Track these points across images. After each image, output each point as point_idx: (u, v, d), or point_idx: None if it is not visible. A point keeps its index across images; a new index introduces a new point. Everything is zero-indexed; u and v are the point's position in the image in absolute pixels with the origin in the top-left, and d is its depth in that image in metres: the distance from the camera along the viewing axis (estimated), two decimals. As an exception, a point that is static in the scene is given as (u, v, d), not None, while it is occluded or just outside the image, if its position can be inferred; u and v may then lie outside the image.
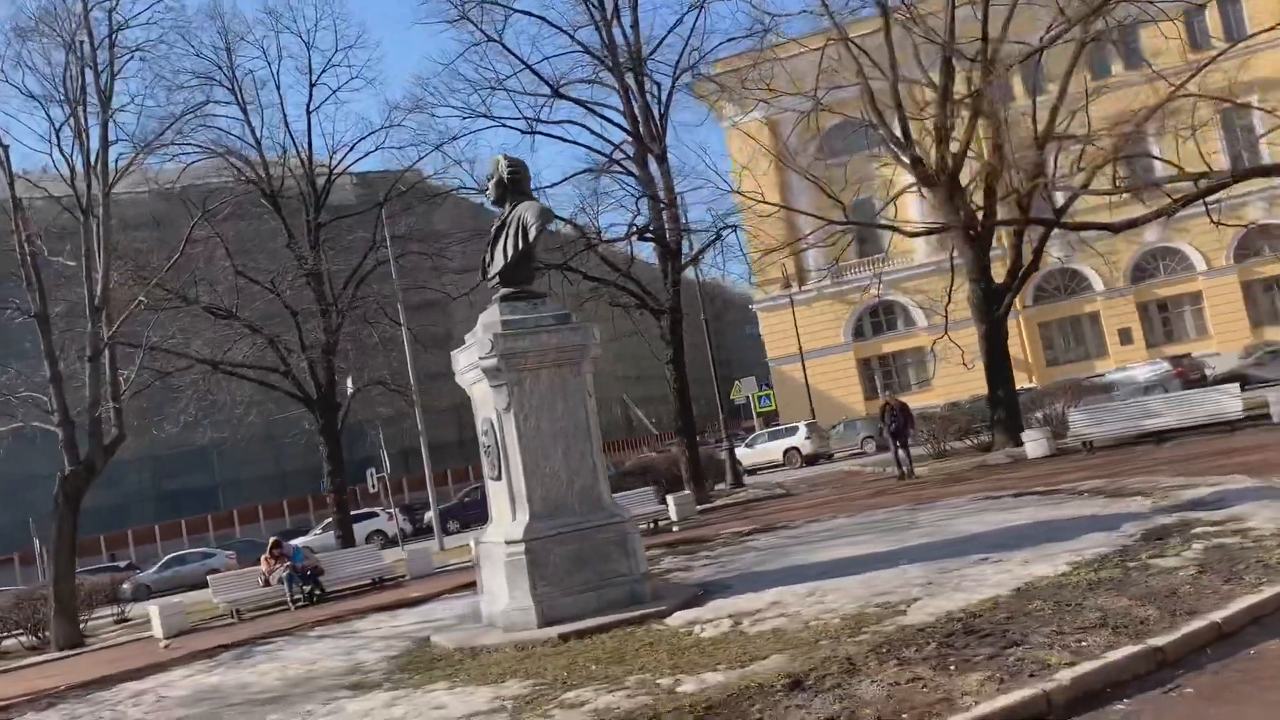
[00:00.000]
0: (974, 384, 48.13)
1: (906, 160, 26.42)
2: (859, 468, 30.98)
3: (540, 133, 26.79)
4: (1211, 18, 41.57)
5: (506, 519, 10.67)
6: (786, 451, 41.82)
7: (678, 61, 26.30)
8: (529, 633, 9.88)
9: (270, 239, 29.75)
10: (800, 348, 49.21)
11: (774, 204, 29.97)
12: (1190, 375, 32.52)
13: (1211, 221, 22.74)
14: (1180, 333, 47.67)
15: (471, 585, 12.97)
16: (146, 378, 23.32)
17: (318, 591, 19.45)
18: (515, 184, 11.11)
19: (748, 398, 47.18)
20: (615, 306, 27.82)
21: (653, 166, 26.85)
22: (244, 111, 26.64)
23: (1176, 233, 41.85)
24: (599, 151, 27.31)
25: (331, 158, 28.66)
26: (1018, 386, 36.27)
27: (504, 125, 27.00)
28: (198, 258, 25.16)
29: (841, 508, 18.52)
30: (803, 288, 49.55)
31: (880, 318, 51.39)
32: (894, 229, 29.77)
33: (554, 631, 9.74)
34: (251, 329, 25.31)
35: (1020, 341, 49.03)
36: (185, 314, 24.80)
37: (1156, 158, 26.22)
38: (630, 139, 27.27)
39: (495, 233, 11.04)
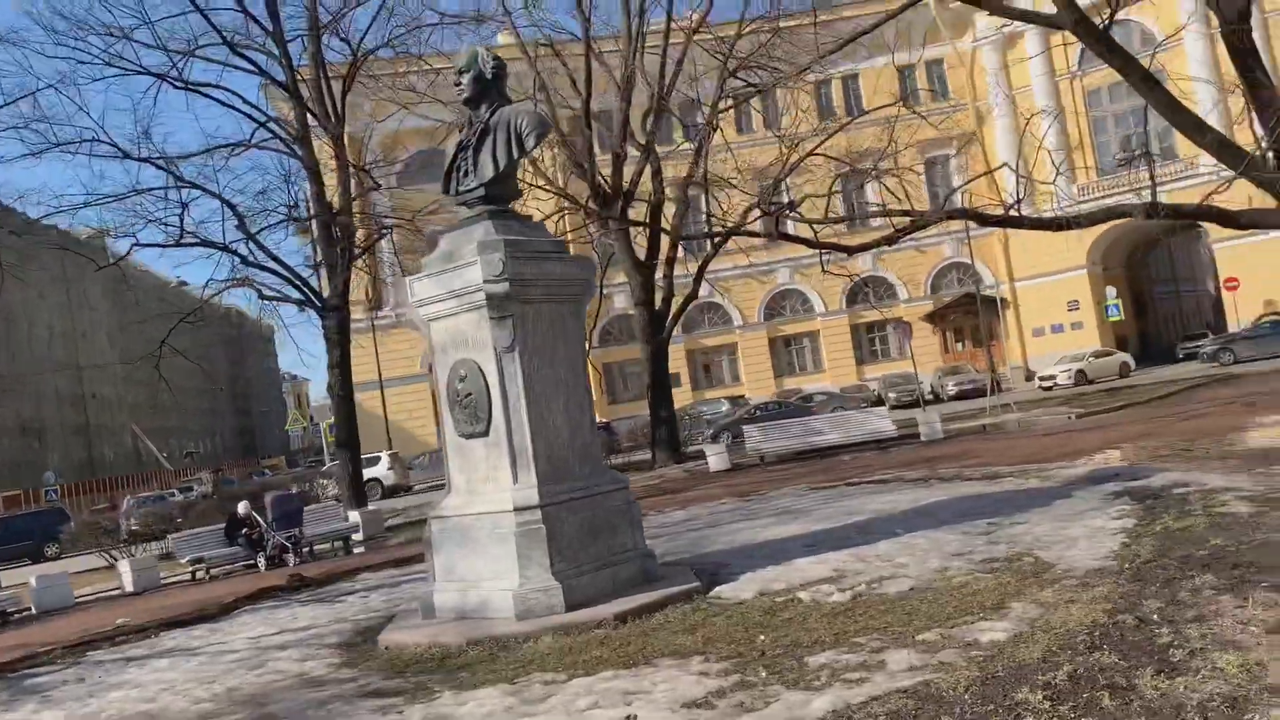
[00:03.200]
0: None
1: (584, 183, 26.69)
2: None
3: (195, 88, 22.71)
4: (836, 91, 49.96)
5: (497, 484, 8.64)
6: (367, 483, 39.65)
7: (359, 42, 23.88)
8: (555, 618, 8.01)
9: None
10: (380, 375, 46.83)
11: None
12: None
13: (823, 270, 25.70)
14: (802, 366, 53.29)
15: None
16: None
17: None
18: (498, 83, 9.24)
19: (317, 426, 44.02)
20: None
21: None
22: None
23: (800, 276, 47.76)
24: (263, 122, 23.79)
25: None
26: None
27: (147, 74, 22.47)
28: None
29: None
30: (379, 313, 47.23)
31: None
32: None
33: (598, 614, 8.01)
34: None
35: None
36: None
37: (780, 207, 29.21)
38: (292, 113, 24.21)
39: (477, 138, 9.01)
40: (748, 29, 26.61)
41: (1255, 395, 22.25)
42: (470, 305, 8.68)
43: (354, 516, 20.91)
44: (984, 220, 21.07)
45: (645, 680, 6.20)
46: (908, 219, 20.31)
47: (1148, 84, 19.93)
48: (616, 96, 26.79)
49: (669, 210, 27.23)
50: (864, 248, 19.27)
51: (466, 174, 9.07)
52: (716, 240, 26.84)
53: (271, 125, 24.16)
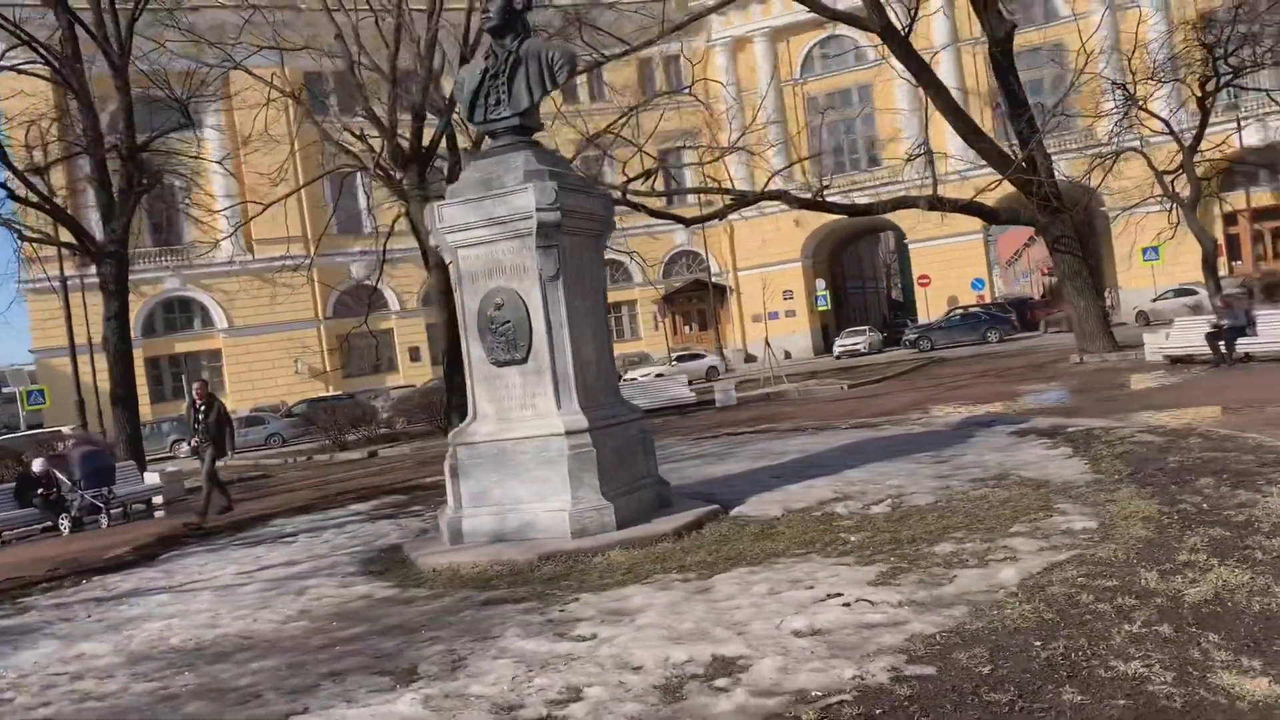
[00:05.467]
0: (277, 390, 47.12)
1: (383, 140, 25.88)
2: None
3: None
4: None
5: (535, 410, 8.75)
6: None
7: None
8: (607, 535, 8.31)
9: None
10: (71, 340, 42.38)
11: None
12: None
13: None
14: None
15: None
16: None
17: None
18: (524, 14, 9.26)
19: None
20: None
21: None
22: None
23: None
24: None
25: None
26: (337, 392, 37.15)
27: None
28: None
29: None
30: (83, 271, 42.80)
31: (175, 314, 47.09)
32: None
33: (652, 530, 8.42)
34: None
35: (322, 351, 49.34)
36: None
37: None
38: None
39: (510, 66, 9.01)
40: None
41: (990, 370, 25.65)
42: (512, 233, 8.73)
43: (151, 478, 19.35)
44: (793, 202, 22.95)
45: (794, 571, 6.73)
46: (729, 197, 21.75)
47: (936, 89, 22.60)
48: (417, 57, 26.19)
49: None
50: (702, 219, 20.35)
51: (499, 102, 9.05)
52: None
53: (36, 45, 21.50)
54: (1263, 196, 43.46)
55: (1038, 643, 4.86)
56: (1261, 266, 42.26)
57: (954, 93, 23.94)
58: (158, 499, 18.92)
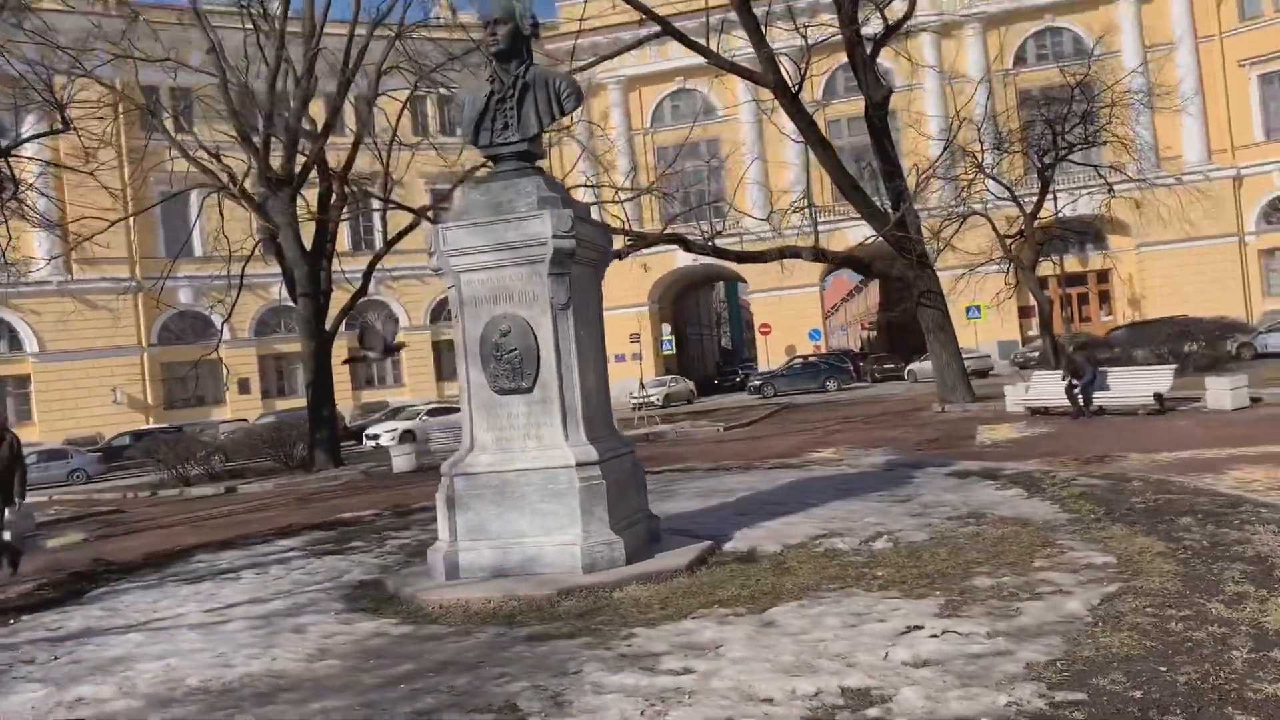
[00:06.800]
0: (93, 420, 43.79)
1: (251, 161, 24.84)
2: None
3: None
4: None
5: (540, 441, 8.51)
6: None
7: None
8: (617, 571, 8.17)
9: None
10: None
11: None
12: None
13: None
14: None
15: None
16: None
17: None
18: (530, 41, 9.13)
19: None
20: None
21: None
22: None
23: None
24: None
25: None
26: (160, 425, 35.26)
27: None
28: None
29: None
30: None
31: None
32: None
33: (662, 565, 8.33)
34: None
35: (144, 381, 46.42)
36: None
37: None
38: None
39: (518, 93, 8.85)
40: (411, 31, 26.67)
41: (853, 417, 26.69)
42: (523, 259, 8.53)
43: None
44: (687, 246, 23.33)
45: (849, 605, 6.80)
46: (627, 238, 21.93)
47: (822, 146, 23.56)
48: (293, 82, 25.37)
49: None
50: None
51: (506, 126, 8.87)
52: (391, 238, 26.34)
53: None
54: (1072, 263, 47.24)
55: (1163, 668, 5.09)
56: (1071, 329, 45.77)
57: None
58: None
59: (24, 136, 20.07)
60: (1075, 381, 20.77)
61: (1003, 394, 23.68)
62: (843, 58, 26.99)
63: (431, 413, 36.70)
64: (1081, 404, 20.58)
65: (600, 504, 8.37)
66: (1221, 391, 19.59)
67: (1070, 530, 8.61)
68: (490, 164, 9.19)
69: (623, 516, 8.79)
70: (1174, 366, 21.79)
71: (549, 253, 8.43)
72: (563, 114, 9.06)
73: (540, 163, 9.30)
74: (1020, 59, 49.82)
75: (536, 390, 8.57)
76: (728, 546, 9.15)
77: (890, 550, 8.43)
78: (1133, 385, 20.67)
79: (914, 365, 49.38)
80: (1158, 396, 19.99)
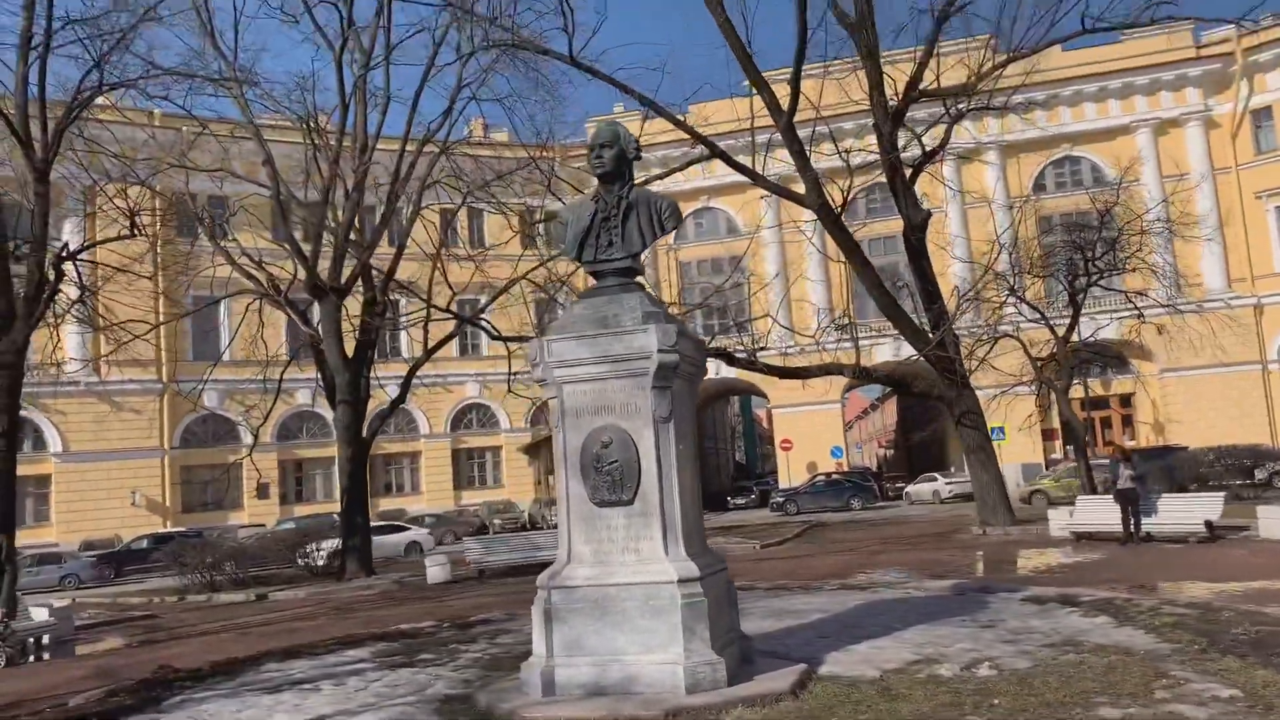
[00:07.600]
0: (110, 522, 43.48)
1: (299, 270, 25.33)
2: None
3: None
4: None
5: (639, 554, 8.43)
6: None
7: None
8: (720, 693, 7.98)
9: None
10: None
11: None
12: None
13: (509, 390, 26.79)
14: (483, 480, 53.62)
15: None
16: None
17: None
18: (633, 164, 9.38)
19: None
20: None
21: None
22: None
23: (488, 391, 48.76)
24: None
25: None
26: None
27: None
28: None
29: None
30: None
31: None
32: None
33: (766, 687, 8.12)
34: None
35: (164, 483, 46.28)
36: None
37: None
38: None
39: (623, 211, 9.05)
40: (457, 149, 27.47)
41: (890, 538, 26.37)
42: (626, 372, 8.60)
43: (39, 613, 17.40)
44: (731, 360, 23.49)
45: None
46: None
47: (864, 265, 23.89)
48: (343, 194, 26.02)
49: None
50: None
51: (610, 244, 9.05)
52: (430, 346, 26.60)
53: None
54: (1094, 386, 47.34)
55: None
56: (1097, 450, 45.56)
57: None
58: (45, 638, 16.97)
59: (88, 242, 20.40)
60: (1133, 474, 20.51)
61: (1045, 517, 23.44)
62: (868, 180, 27.64)
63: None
64: (1132, 529, 20.37)
65: (702, 622, 8.23)
66: (1273, 520, 19.42)
67: (1179, 661, 8.42)
68: (594, 279, 9.31)
69: (720, 635, 8.62)
70: (1223, 494, 21.64)
71: (653, 366, 8.50)
72: (664, 232, 9.25)
73: (640, 279, 9.46)
74: (1040, 185, 50.83)
75: (637, 503, 8.53)
76: (823, 670, 8.94)
77: (997, 678, 8.24)
78: (1184, 512, 20.49)
79: (910, 488, 49.10)
80: (1208, 524, 19.81)
